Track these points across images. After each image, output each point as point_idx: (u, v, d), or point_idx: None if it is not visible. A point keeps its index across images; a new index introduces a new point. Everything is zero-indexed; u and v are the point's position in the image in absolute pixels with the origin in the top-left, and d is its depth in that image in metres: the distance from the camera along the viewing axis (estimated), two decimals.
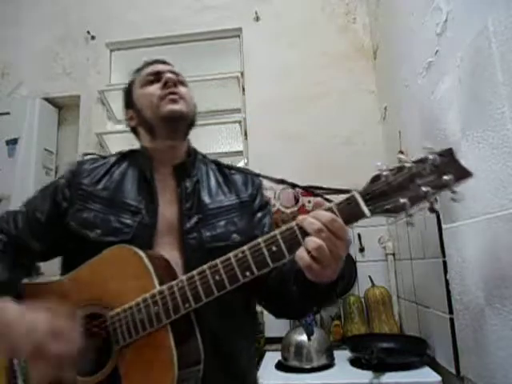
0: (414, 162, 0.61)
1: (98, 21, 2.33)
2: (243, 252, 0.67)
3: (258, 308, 0.95)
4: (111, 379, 0.70)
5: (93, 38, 2.31)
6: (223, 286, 0.67)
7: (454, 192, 0.59)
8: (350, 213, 0.63)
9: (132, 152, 0.96)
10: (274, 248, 0.65)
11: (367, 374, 1.24)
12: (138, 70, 0.97)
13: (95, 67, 2.30)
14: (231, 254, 0.68)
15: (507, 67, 0.77)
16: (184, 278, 0.69)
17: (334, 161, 1.94)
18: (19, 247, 0.85)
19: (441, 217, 1.15)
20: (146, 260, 0.71)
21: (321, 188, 0.98)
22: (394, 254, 1.78)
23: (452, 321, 1.11)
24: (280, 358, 1.45)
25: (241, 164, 2.11)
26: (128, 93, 0.97)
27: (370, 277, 1.73)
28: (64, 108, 2.37)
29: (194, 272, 0.69)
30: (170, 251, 0.80)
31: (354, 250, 1.83)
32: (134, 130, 0.98)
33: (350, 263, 1.79)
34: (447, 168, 0.59)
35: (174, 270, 0.76)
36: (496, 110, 0.81)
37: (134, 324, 0.70)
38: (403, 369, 1.25)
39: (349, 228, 0.63)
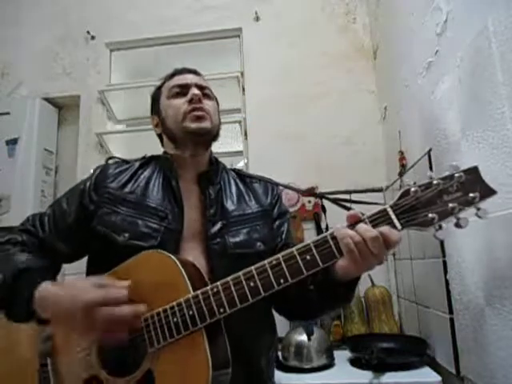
0: (440, 178, 0.64)
1: (97, 21, 2.33)
2: (277, 259, 0.69)
3: None
4: (145, 381, 0.71)
5: (93, 38, 2.31)
6: (258, 292, 0.69)
7: (479, 209, 0.62)
8: (381, 226, 0.65)
9: (155, 157, 0.99)
10: (308, 257, 0.67)
11: (367, 374, 1.24)
12: (168, 78, 0.99)
13: (95, 67, 2.30)
14: (266, 262, 0.70)
15: (507, 67, 0.77)
16: (219, 283, 0.71)
17: (334, 161, 1.94)
18: (46, 249, 0.87)
19: None
20: (180, 266, 0.73)
21: (349, 201, 0.99)
22: (393, 254, 1.79)
23: (452, 321, 1.11)
24: (280, 357, 1.45)
25: (241, 164, 2.11)
26: (155, 99, 0.99)
27: (370, 276, 1.73)
28: (64, 108, 2.37)
29: (229, 278, 0.70)
30: (195, 256, 0.82)
31: None
32: (159, 136, 1.01)
33: None
34: (473, 185, 0.63)
35: (203, 275, 0.77)
36: (496, 110, 0.81)
37: (168, 327, 0.70)
38: (403, 369, 1.25)
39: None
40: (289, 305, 0.90)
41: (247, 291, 0.69)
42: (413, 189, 0.65)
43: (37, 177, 2.10)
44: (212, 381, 0.66)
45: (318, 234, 1.81)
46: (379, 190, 1.85)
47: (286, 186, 1.02)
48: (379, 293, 1.69)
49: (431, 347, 1.32)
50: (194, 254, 0.83)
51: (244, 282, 0.69)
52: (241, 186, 0.98)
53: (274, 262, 0.69)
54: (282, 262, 0.68)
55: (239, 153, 2.13)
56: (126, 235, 0.82)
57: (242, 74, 2.17)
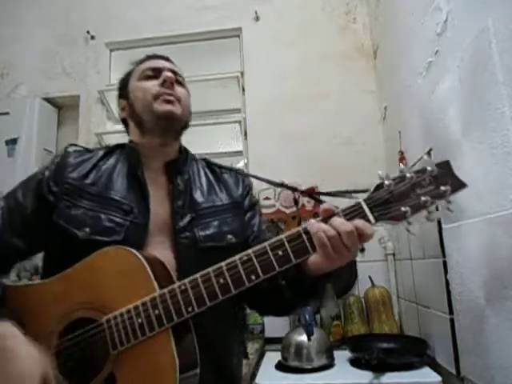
0: (414, 172, 0.64)
1: (97, 21, 2.33)
2: (248, 255, 0.67)
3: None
4: None
5: (92, 37, 2.31)
6: (228, 289, 0.66)
7: (449, 202, 0.63)
8: (355, 219, 0.65)
9: (120, 146, 0.92)
10: (280, 252, 0.66)
11: (367, 375, 1.24)
12: (139, 62, 0.93)
13: (95, 67, 2.30)
14: (237, 257, 0.67)
15: (507, 67, 0.77)
16: (187, 281, 0.67)
17: (334, 161, 1.94)
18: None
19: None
20: (145, 262, 0.69)
21: (322, 193, 0.98)
22: (393, 254, 1.78)
23: (452, 321, 1.11)
24: (280, 358, 1.45)
25: (241, 164, 2.11)
26: (124, 83, 0.94)
27: (370, 277, 1.73)
28: (64, 108, 2.37)
29: (197, 275, 0.67)
30: (161, 251, 0.78)
31: None
32: (124, 122, 0.95)
33: (350, 264, 1.78)
34: (444, 179, 0.63)
35: (169, 272, 0.73)
36: (496, 110, 0.81)
37: (132, 328, 0.67)
38: (403, 369, 1.25)
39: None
40: (260, 300, 0.86)
41: (217, 288, 0.66)
42: (386, 182, 0.65)
43: None
44: (179, 383, 0.63)
45: None
46: None
47: (264, 180, 0.98)
48: (379, 293, 1.69)
49: (431, 347, 1.32)
50: (161, 248, 0.78)
51: (213, 279, 0.66)
52: (211, 177, 0.93)
53: (245, 258, 0.66)
54: (254, 258, 0.66)
55: (239, 153, 2.13)
56: (87, 230, 0.75)
57: (242, 73, 2.17)
